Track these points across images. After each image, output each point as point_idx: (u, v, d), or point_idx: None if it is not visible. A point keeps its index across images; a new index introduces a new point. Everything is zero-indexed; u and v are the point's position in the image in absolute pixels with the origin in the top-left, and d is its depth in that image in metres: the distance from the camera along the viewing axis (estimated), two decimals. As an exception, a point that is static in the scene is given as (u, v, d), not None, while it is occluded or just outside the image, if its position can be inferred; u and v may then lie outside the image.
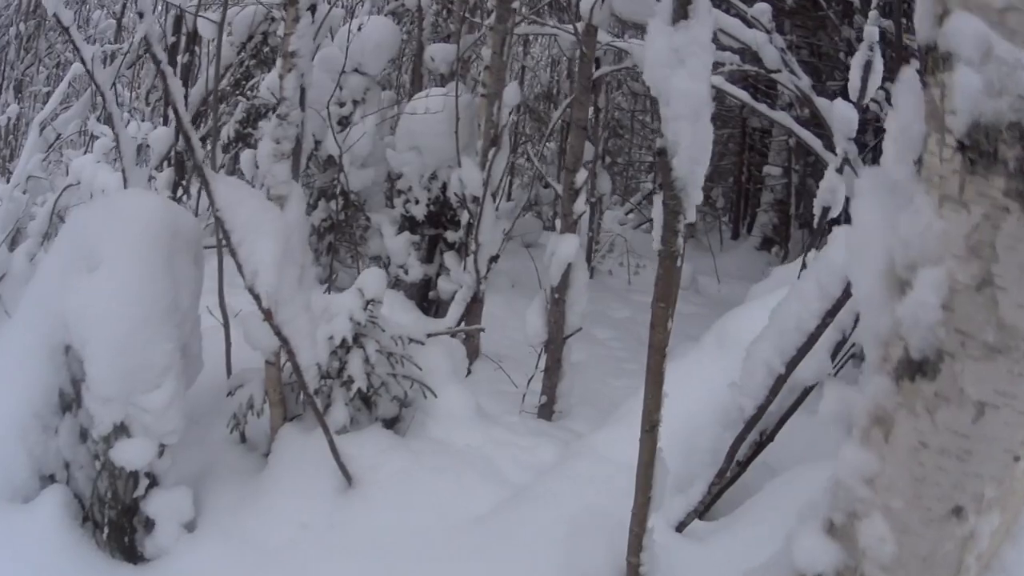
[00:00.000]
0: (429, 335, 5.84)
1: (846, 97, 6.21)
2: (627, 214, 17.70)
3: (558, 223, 6.83)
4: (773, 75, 10.48)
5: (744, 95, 10.72)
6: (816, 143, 10.57)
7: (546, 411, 6.70)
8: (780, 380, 4.53)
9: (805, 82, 10.58)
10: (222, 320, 5.71)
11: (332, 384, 5.33)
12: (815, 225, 6.36)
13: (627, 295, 12.76)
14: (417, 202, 9.31)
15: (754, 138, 18.41)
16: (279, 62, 5.06)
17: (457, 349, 6.38)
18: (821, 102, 10.67)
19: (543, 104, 17.39)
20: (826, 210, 6.19)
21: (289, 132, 4.84)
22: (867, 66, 6.07)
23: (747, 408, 4.62)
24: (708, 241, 16.09)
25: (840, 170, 6.25)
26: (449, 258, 9.06)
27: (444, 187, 9.11)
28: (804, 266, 6.13)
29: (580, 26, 6.30)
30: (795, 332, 4.46)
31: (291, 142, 4.86)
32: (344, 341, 5.26)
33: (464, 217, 8.07)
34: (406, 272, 9.39)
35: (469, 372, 7.16)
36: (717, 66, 10.40)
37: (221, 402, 5.45)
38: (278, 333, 4.73)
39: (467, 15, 9.71)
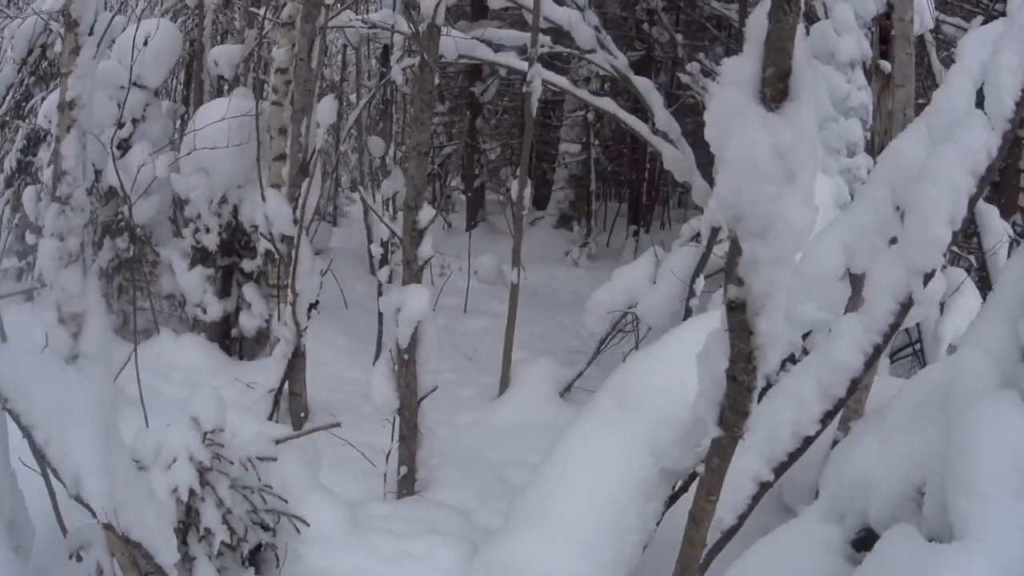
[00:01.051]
0: (278, 442, 4.58)
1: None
2: None
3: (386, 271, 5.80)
4: (588, 55, 9.54)
5: (564, 82, 9.76)
6: (643, 127, 9.72)
7: (408, 483, 5.90)
8: (765, 486, 3.59)
9: (622, 61, 9.72)
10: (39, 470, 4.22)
11: (188, 539, 4.16)
12: (706, 247, 5.40)
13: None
14: (208, 230, 8.29)
15: (542, 113, 17.50)
16: (54, 116, 3.70)
17: (311, 450, 5.18)
18: (640, 81, 9.84)
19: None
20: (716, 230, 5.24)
21: (76, 222, 3.42)
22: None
23: (726, 519, 3.71)
24: (506, 223, 15.16)
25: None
26: (248, 291, 7.97)
27: (236, 210, 8.17)
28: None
29: (422, 28, 5.05)
30: (790, 439, 3.65)
31: (79, 236, 3.44)
32: (192, 491, 4.00)
33: (262, 245, 7.27)
34: (204, 311, 8.42)
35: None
36: (523, 51, 9.48)
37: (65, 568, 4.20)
38: (127, 541, 3.49)
39: (253, 8, 8.34)
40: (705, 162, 10.97)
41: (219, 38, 10.53)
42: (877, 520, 3.76)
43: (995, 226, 9.08)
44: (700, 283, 6.14)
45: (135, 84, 8.31)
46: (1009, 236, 8.67)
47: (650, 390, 4.61)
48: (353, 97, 18.44)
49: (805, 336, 4.31)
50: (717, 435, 2.36)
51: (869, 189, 3.73)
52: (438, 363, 5.83)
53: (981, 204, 9.26)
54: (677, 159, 9.76)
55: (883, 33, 6.93)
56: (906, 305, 3.36)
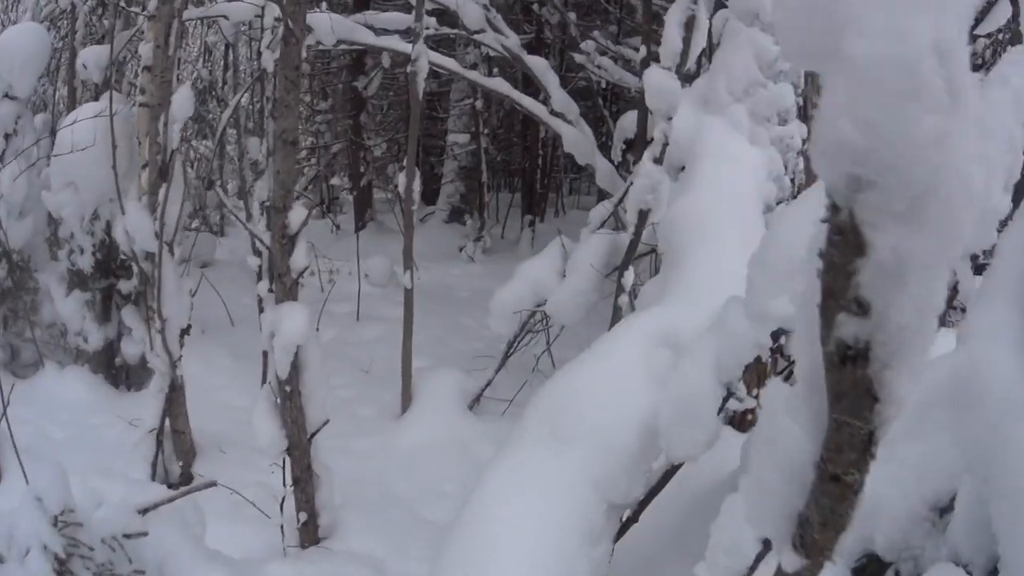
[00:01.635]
0: (146, 511, 3.69)
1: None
2: (295, 199, 15.53)
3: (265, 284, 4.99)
4: (476, 36, 8.74)
5: (452, 63, 8.95)
6: (540, 109, 8.96)
7: (310, 531, 5.11)
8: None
9: (513, 41, 8.95)
10: None
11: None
12: (634, 234, 4.63)
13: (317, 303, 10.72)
14: (82, 251, 7.53)
15: (428, 105, 16.78)
16: None
17: (191, 511, 4.28)
18: (534, 61, 9.08)
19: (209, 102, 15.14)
20: (644, 213, 4.49)
21: None
22: (689, 24, 4.44)
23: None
24: (396, 221, 14.36)
25: (660, 160, 4.56)
26: (128, 314, 7.07)
27: (108, 226, 7.35)
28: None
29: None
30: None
31: None
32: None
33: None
34: (86, 340, 7.65)
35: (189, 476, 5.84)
36: (408, 34, 8.67)
37: None
38: None
39: (123, 5, 7.38)
40: (603, 143, 10.45)
41: (92, 42, 9.52)
42: (885, 545, 3.04)
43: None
44: (629, 277, 5.31)
45: (6, 96, 7.53)
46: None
47: (587, 414, 3.97)
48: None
49: (775, 336, 3.70)
50: (794, 565, 1.31)
51: None
52: (328, 388, 5.01)
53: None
54: (578, 140, 9.03)
55: None
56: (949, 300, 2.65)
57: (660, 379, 4.13)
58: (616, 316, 4.81)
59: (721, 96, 6.21)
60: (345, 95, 15.64)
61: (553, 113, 9.21)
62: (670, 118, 4.43)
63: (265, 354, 6.96)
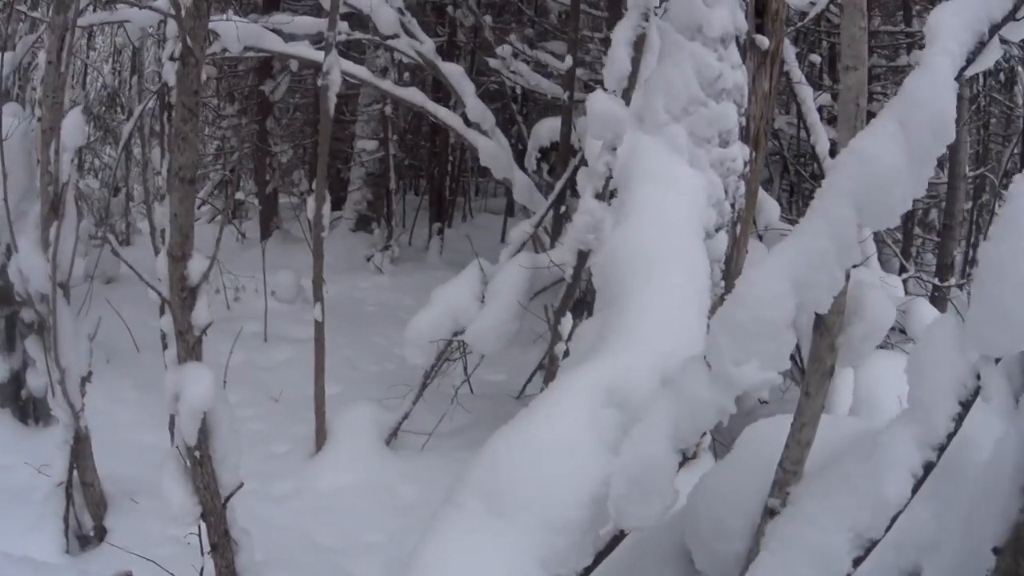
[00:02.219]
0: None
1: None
2: (199, 207, 15.11)
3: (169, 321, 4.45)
4: (390, 42, 8.29)
5: (364, 72, 8.48)
6: (456, 120, 8.54)
7: None
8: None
9: (428, 46, 8.52)
10: None
11: None
12: (572, 277, 4.24)
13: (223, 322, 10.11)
14: None
15: (336, 108, 16.12)
16: None
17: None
18: (449, 68, 8.66)
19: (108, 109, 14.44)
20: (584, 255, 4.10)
21: None
22: (639, 43, 4.06)
23: None
24: (302, 229, 13.80)
25: (603, 196, 4.17)
26: (31, 345, 6.42)
27: (9, 251, 6.49)
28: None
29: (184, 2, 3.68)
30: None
31: None
32: None
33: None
34: None
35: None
36: (319, 39, 8.19)
37: None
38: None
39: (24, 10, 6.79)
40: (514, 146, 10.05)
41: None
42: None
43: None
44: (567, 324, 4.82)
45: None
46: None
47: (531, 489, 3.63)
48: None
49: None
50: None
51: (825, 204, 2.92)
52: (237, 454, 4.46)
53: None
54: (495, 154, 8.63)
55: (759, 3, 6.02)
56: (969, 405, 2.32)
57: (609, 444, 3.79)
58: (552, 367, 4.39)
59: (658, 115, 5.83)
60: (252, 99, 15.05)
61: (468, 124, 8.80)
62: (615, 148, 4.02)
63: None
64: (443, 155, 15.48)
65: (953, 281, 11.05)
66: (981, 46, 2.97)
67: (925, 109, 2.73)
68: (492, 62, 11.05)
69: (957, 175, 11.52)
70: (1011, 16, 2.92)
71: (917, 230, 14.63)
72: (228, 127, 16.33)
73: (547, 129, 9.67)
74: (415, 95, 8.66)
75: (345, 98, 15.45)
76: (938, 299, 10.48)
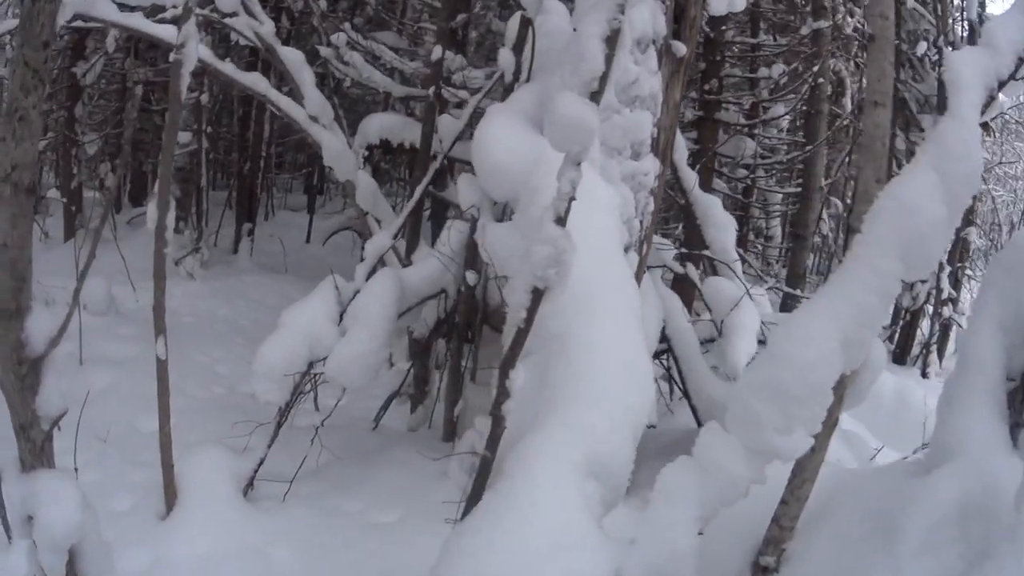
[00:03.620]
0: None
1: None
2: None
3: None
4: (227, 20, 7.31)
5: (206, 53, 7.46)
6: (300, 113, 7.65)
7: None
8: None
9: (268, 28, 7.60)
10: None
11: None
12: (524, 321, 3.53)
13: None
14: None
15: (136, 92, 14.98)
16: None
17: None
18: (289, 54, 7.74)
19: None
20: (541, 293, 3.41)
21: None
22: (612, 39, 3.37)
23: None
24: (110, 229, 12.56)
25: (564, 220, 3.46)
26: None
27: None
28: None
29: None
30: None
31: None
32: None
33: None
34: None
35: None
36: (157, 11, 7.15)
37: None
38: None
39: None
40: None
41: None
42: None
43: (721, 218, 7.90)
44: (518, 377, 3.87)
45: None
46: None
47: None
48: None
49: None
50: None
51: (871, 255, 2.92)
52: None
53: (699, 195, 8.07)
54: (340, 152, 7.73)
55: (677, 8, 5.42)
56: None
57: (601, 523, 3.31)
58: (498, 426, 3.59)
59: (566, 119, 5.15)
60: (60, 83, 13.56)
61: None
62: (579, 163, 3.28)
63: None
64: (255, 150, 14.36)
65: (805, 290, 10.93)
66: (990, 100, 3.18)
67: (961, 162, 2.85)
68: (323, 51, 10.09)
69: (812, 187, 11.43)
70: (1013, 75, 3.14)
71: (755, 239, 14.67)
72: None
73: (377, 125, 8.87)
74: (258, 82, 7.66)
75: (153, 86, 14.29)
76: (791, 308, 10.26)
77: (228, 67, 7.63)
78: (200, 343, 9.56)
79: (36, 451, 3.11)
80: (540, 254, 3.31)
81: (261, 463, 6.03)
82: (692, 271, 7.58)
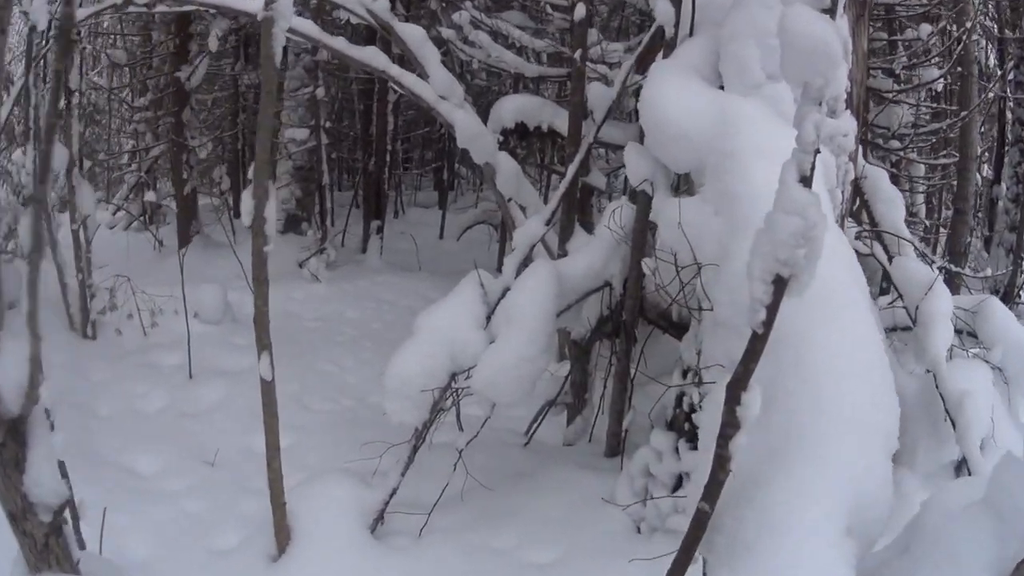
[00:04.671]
0: None
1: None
2: (114, 213, 13.96)
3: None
4: (339, -3, 6.45)
5: (312, 28, 6.59)
6: (427, 91, 6.74)
7: None
8: None
9: (382, 4, 6.69)
10: None
11: None
12: (762, 328, 2.42)
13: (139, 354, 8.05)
14: None
15: (248, 97, 14.68)
16: None
17: None
18: (410, 31, 6.81)
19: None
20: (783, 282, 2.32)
21: None
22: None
23: None
24: (226, 234, 11.80)
25: (809, 181, 2.38)
26: None
27: None
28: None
29: None
30: None
31: None
32: None
33: None
34: None
35: None
36: None
37: None
38: None
39: None
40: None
41: None
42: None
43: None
44: (753, 404, 2.68)
45: None
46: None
47: None
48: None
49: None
50: None
51: None
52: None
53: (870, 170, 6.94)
54: (476, 132, 6.76)
55: None
56: None
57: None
58: (721, 470, 2.50)
59: (752, 70, 4.08)
60: (166, 89, 13.04)
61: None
62: (821, 101, 2.25)
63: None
64: (380, 144, 13.49)
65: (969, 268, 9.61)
66: None
67: None
68: (445, 32, 9.11)
69: (969, 157, 10.06)
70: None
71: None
72: (140, 120, 14.32)
73: (511, 108, 7.84)
74: (375, 57, 6.72)
75: (259, 86, 13.69)
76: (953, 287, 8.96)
77: (339, 42, 6.70)
78: (326, 350, 8.68)
79: (39, 549, 2.15)
80: (785, 228, 2.26)
81: (393, 493, 5.06)
82: (879, 251, 6.39)
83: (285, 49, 4.55)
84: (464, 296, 5.30)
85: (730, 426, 2.43)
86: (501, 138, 7.67)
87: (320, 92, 11.75)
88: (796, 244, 2.26)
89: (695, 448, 4.71)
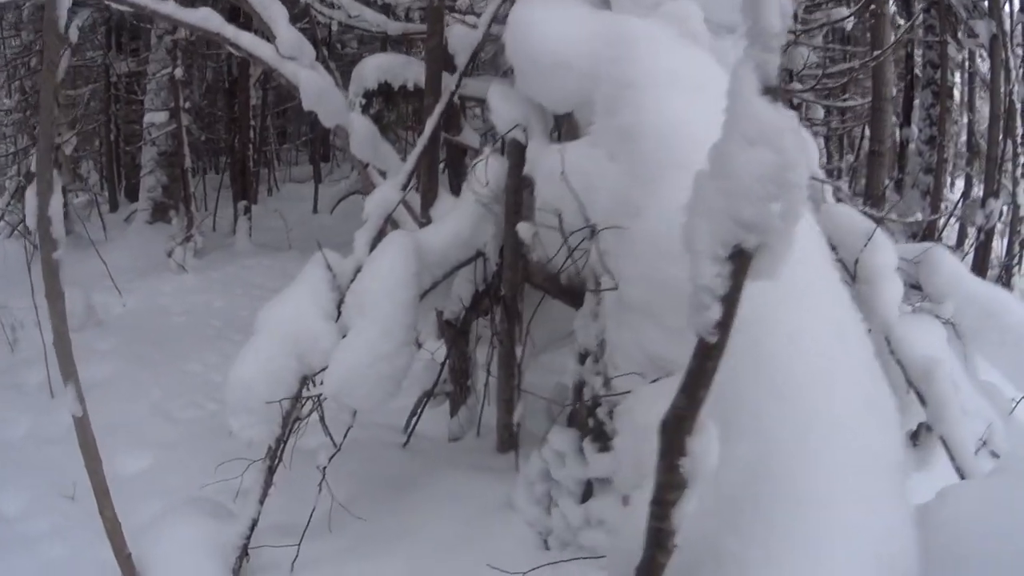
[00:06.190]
0: None
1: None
2: None
3: None
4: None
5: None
6: (266, 50, 5.63)
7: None
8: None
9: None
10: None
11: None
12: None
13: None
14: None
15: (120, 87, 13.55)
16: None
17: None
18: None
19: None
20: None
21: None
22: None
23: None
24: (87, 231, 10.52)
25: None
26: None
27: None
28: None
29: None
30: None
31: None
32: None
33: None
34: None
35: None
36: None
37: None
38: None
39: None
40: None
41: None
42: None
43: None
44: (706, 453, 1.83)
45: None
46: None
47: None
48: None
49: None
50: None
51: None
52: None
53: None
54: (323, 91, 5.68)
55: None
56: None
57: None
58: (660, 550, 1.53)
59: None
60: (34, 87, 11.76)
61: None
62: None
63: None
64: (243, 120, 12.28)
65: (890, 211, 8.81)
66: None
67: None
68: (301, -6, 8.00)
69: (883, 96, 9.25)
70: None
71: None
72: (8, 124, 13.07)
73: (374, 67, 6.79)
74: (209, 19, 5.62)
75: (135, 75, 12.66)
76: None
77: (168, 6, 5.56)
78: (193, 347, 7.59)
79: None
80: (748, 170, 1.30)
81: (254, 524, 4.01)
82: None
83: (71, 16, 3.46)
84: (309, 283, 4.24)
85: (670, 488, 1.47)
86: (364, 101, 6.65)
87: (179, 72, 10.51)
88: (767, 194, 1.30)
89: (604, 450, 3.78)
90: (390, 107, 7.68)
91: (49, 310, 3.18)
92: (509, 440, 4.85)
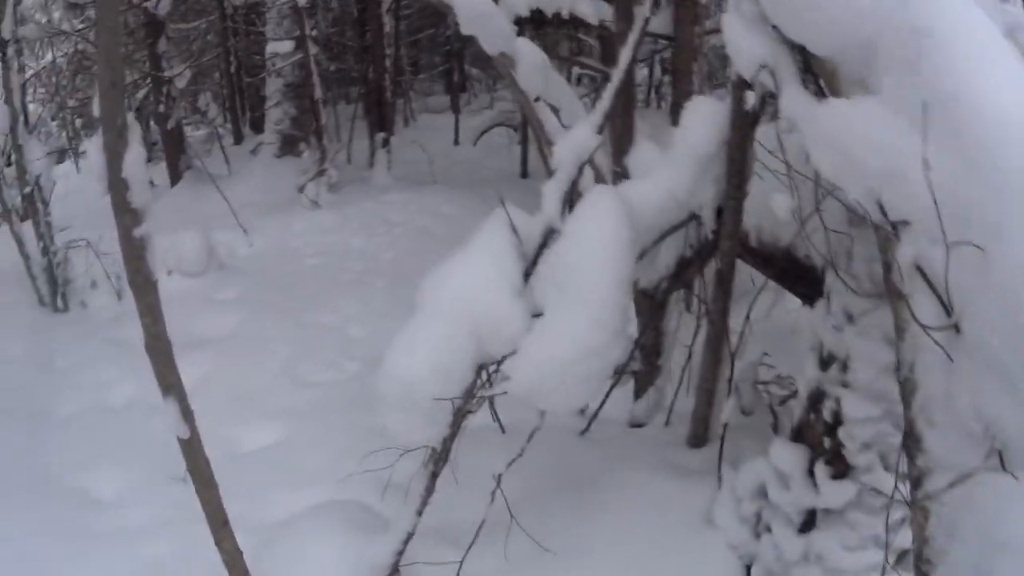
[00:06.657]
0: None
1: None
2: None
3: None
4: None
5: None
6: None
7: None
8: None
9: None
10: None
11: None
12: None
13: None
14: None
15: (237, 19, 13.28)
16: None
17: None
18: None
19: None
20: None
21: None
22: None
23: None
24: (206, 166, 10.18)
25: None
26: None
27: None
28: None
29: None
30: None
31: None
32: None
33: None
34: None
35: None
36: None
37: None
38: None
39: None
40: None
41: None
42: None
43: None
44: None
45: None
46: None
47: None
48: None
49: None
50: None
51: None
52: None
53: None
54: (482, 13, 4.85)
55: None
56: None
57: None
58: None
59: None
60: (137, 22, 11.35)
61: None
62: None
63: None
64: (378, 49, 11.60)
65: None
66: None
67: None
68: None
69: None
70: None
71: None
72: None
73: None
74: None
75: (253, 5, 12.23)
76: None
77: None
78: (327, 295, 7.01)
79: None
80: None
81: (408, 539, 3.36)
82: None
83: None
84: (490, 249, 3.39)
85: None
86: (515, 28, 5.89)
87: (302, 1, 9.86)
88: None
89: (840, 476, 3.01)
90: (541, 36, 6.90)
91: (136, 305, 2.52)
92: (704, 433, 4.08)
